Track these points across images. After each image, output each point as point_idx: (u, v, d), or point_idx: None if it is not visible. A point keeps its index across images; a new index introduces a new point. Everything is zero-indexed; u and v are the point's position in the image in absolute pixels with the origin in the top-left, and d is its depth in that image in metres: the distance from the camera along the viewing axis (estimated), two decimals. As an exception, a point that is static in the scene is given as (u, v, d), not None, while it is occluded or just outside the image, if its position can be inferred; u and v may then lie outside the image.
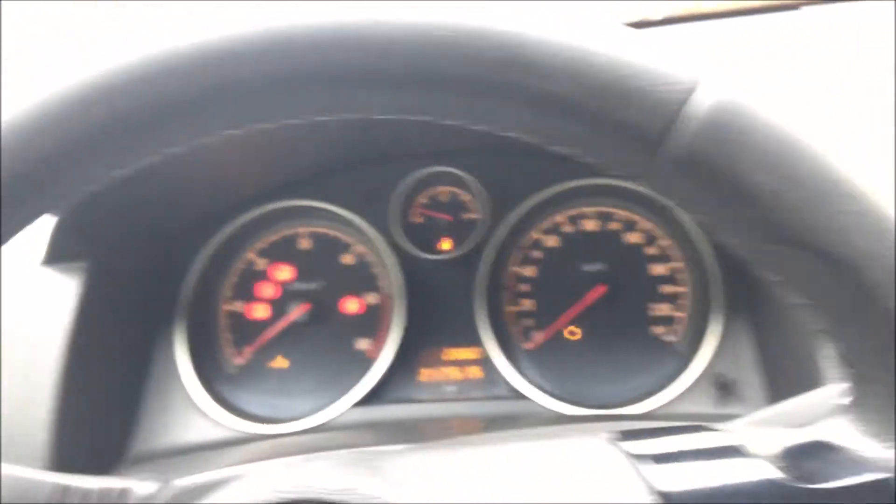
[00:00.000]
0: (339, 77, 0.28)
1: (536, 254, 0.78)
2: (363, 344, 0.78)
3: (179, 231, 0.79)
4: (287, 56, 0.28)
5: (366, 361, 0.76)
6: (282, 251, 0.82)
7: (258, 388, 0.79)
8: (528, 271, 0.77)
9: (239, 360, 0.80)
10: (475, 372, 0.76)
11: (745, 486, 0.29)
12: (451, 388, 0.75)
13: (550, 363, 0.75)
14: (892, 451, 0.29)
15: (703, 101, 0.27)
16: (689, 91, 0.27)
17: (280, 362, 0.80)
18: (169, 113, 0.29)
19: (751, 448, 0.31)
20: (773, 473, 0.29)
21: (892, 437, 0.29)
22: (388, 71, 0.28)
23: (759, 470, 0.30)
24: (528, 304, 0.77)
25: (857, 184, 0.28)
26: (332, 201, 0.80)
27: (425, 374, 0.77)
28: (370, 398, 0.74)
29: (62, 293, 0.66)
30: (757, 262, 0.30)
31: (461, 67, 0.28)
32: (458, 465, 0.31)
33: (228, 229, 0.81)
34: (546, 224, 0.78)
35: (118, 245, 0.73)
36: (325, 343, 0.79)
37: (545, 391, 0.72)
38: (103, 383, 0.70)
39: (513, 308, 0.77)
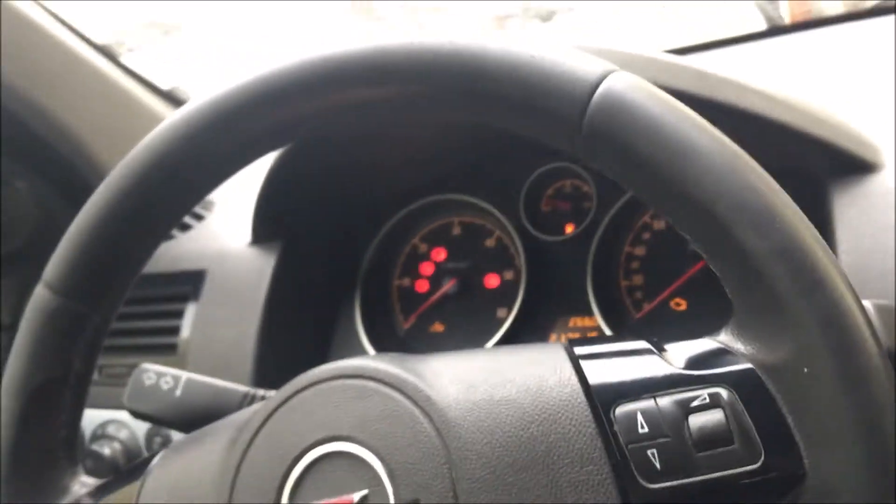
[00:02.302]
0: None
1: (646, 235, 0.89)
2: (502, 313, 0.94)
3: (355, 221, 0.99)
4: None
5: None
6: (438, 236, 1.00)
7: (421, 349, 0.97)
8: (639, 250, 0.88)
9: (406, 325, 0.99)
10: (594, 337, 0.89)
11: (648, 374, 0.41)
12: (575, 351, 0.89)
13: (657, 330, 0.86)
14: (755, 348, 0.40)
15: (603, 93, 0.40)
16: (595, 86, 0.40)
17: (437, 327, 0.98)
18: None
19: (664, 350, 0.43)
20: (670, 366, 0.41)
21: (758, 341, 0.40)
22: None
23: (662, 364, 0.42)
24: (638, 280, 0.88)
25: (715, 147, 0.39)
26: (475, 195, 0.96)
27: (553, 339, 0.91)
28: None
29: (263, 267, 0.88)
30: (674, 223, 0.42)
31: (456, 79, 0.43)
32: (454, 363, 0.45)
33: (395, 219, 1.00)
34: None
35: (308, 231, 0.94)
36: (472, 312, 0.96)
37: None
38: (294, 344, 0.91)
39: (626, 282, 0.89)
